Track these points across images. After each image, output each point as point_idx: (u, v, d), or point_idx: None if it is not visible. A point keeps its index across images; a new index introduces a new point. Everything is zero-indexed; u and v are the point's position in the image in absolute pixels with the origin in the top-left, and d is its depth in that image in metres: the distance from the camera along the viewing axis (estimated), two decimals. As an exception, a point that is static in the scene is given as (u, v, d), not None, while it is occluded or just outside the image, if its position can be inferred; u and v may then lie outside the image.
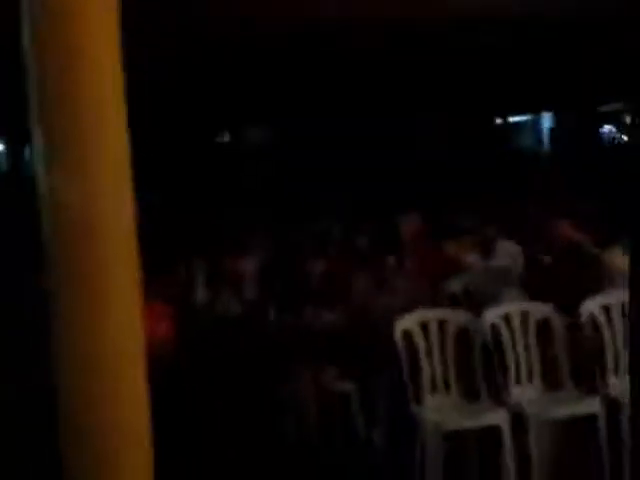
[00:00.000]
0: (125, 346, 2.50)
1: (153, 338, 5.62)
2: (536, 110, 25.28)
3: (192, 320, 6.22)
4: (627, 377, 5.54)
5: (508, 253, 7.39)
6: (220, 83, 13.38)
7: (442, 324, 5.57)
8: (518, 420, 5.19)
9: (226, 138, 23.02)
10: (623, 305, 5.69)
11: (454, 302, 6.62)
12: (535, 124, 26.56)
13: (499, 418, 5.13)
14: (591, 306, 5.67)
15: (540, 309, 5.70)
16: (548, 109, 24.60)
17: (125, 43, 2.61)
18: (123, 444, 2.48)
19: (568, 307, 5.86)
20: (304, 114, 18.71)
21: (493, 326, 5.58)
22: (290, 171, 16.04)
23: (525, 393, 5.45)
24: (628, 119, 23.67)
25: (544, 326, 5.67)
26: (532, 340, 5.59)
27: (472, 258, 7.62)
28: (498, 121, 26.01)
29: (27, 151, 18.93)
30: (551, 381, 5.54)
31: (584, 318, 5.60)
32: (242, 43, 9.91)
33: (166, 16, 7.80)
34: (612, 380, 5.54)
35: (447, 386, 5.47)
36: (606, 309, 5.68)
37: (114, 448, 2.47)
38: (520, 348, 5.56)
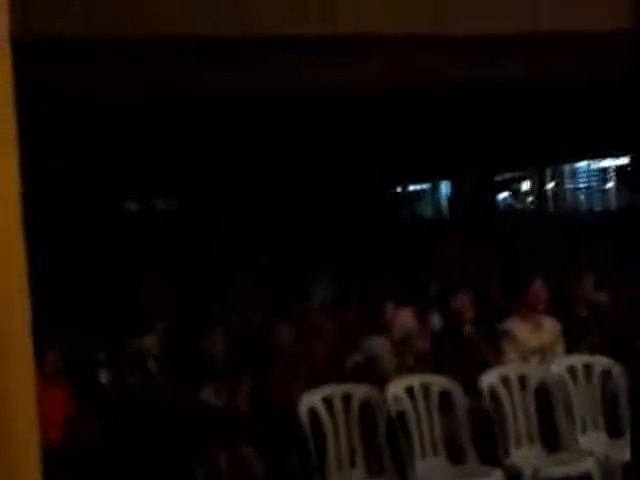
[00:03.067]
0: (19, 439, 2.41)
1: (53, 423, 5.50)
2: (434, 178, 25.91)
3: (95, 402, 6.08)
4: (528, 447, 5.68)
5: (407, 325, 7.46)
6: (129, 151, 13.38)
7: (346, 399, 5.58)
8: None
9: (134, 207, 22.72)
10: (522, 377, 5.84)
11: (359, 372, 6.63)
12: (433, 192, 27.18)
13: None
14: (491, 378, 5.78)
15: (441, 381, 5.78)
16: (446, 177, 25.24)
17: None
18: None
19: (468, 379, 5.96)
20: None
21: (396, 399, 5.62)
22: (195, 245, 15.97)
23: (429, 467, 5.49)
24: (524, 186, 24.42)
25: (445, 398, 5.73)
26: (435, 412, 5.65)
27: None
28: (397, 190, 26.52)
29: None
30: (454, 454, 5.59)
31: (484, 390, 5.69)
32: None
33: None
34: (514, 451, 5.63)
35: (353, 462, 5.47)
36: (505, 380, 5.80)
37: None
38: (423, 421, 5.61)
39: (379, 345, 7.13)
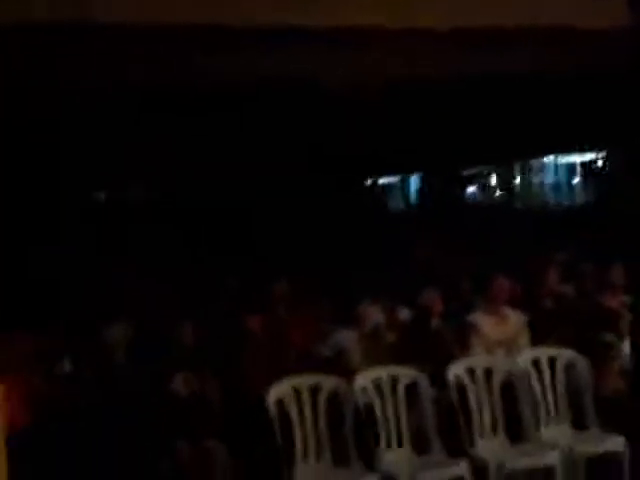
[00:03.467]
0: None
1: (19, 411, 5.48)
2: (407, 171, 25.96)
3: (57, 392, 6.06)
4: (493, 438, 5.75)
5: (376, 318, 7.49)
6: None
7: (314, 390, 5.61)
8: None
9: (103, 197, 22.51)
10: (488, 369, 5.90)
11: (328, 365, 6.66)
12: (403, 185, 27.26)
13: (370, 484, 5.18)
14: (457, 369, 5.83)
15: (408, 373, 5.82)
16: (417, 170, 25.31)
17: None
18: None
19: (435, 370, 6.02)
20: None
21: (364, 390, 5.66)
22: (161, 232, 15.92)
23: (395, 458, 5.53)
24: (492, 181, 24.56)
25: (413, 389, 5.78)
26: (401, 404, 5.69)
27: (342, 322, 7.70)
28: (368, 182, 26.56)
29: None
30: (420, 445, 5.64)
31: (450, 381, 5.74)
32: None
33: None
34: (479, 442, 5.70)
35: (319, 453, 5.49)
36: (471, 372, 5.86)
37: None
38: (390, 412, 5.65)
39: (348, 338, 7.16)
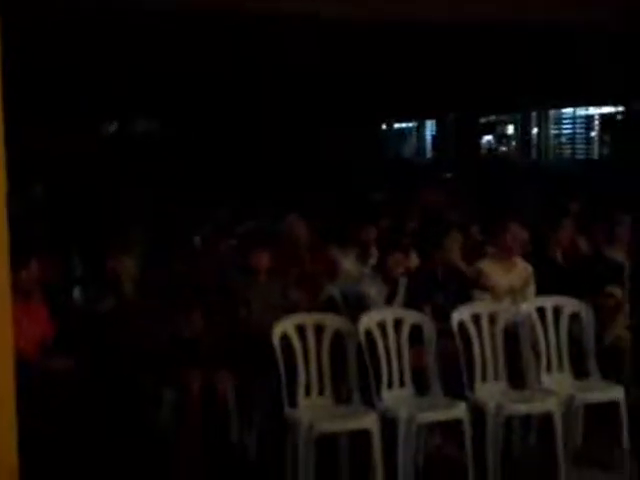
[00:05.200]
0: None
1: (32, 339, 5.55)
2: (420, 117, 25.83)
3: (67, 320, 6.12)
4: (493, 383, 5.80)
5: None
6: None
7: (319, 328, 5.67)
8: (388, 423, 5.34)
9: (113, 129, 22.61)
10: (492, 315, 5.94)
11: (332, 305, 6.71)
12: (418, 132, 27.08)
13: (370, 422, 5.26)
14: (462, 314, 5.87)
15: (413, 316, 5.87)
16: (431, 117, 25.16)
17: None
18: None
19: (441, 314, 6.07)
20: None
21: (368, 332, 5.71)
22: (171, 169, 15.91)
23: (395, 397, 5.60)
24: (509, 130, 24.35)
25: (416, 332, 5.83)
26: (404, 346, 5.75)
27: (351, 263, 7.74)
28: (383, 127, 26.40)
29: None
30: (421, 386, 5.71)
31: (454, 326, 5.79)
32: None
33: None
34: (479, 386, 5.76)
35: (321, 389, 5.57)
36: (476, 318, 5.90)
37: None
38: (393, 353, 5.72)
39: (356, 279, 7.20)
